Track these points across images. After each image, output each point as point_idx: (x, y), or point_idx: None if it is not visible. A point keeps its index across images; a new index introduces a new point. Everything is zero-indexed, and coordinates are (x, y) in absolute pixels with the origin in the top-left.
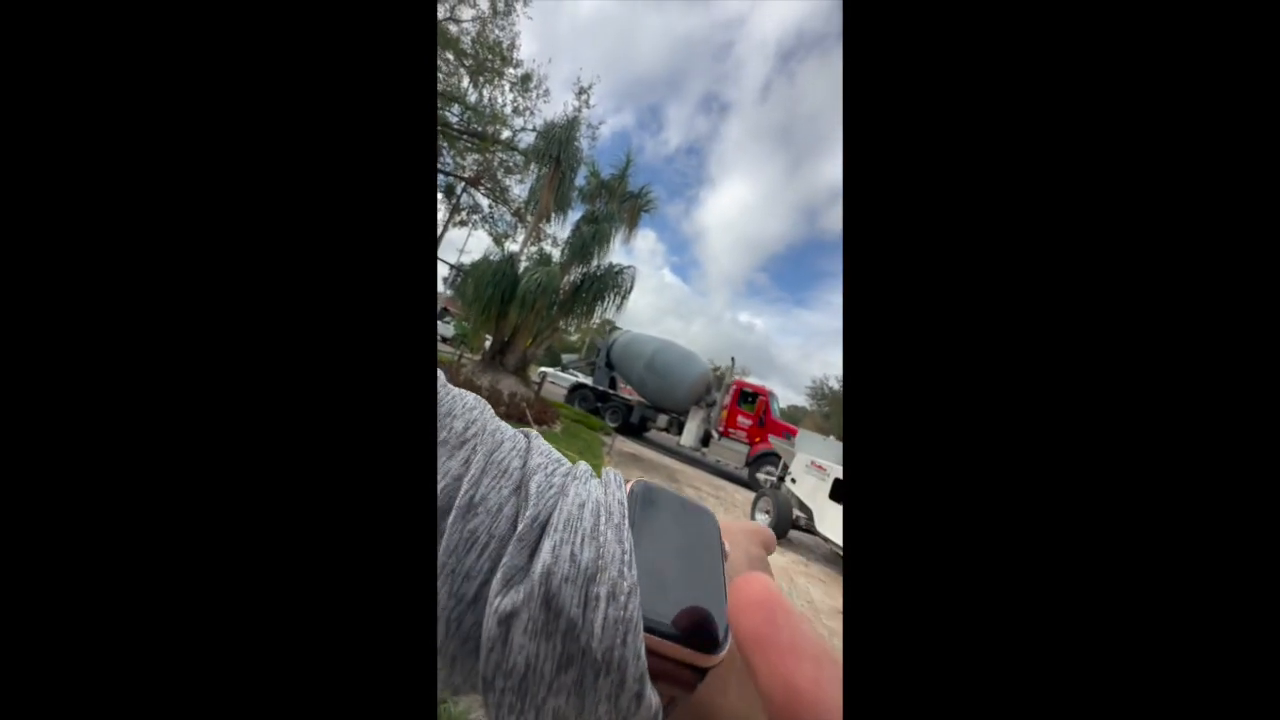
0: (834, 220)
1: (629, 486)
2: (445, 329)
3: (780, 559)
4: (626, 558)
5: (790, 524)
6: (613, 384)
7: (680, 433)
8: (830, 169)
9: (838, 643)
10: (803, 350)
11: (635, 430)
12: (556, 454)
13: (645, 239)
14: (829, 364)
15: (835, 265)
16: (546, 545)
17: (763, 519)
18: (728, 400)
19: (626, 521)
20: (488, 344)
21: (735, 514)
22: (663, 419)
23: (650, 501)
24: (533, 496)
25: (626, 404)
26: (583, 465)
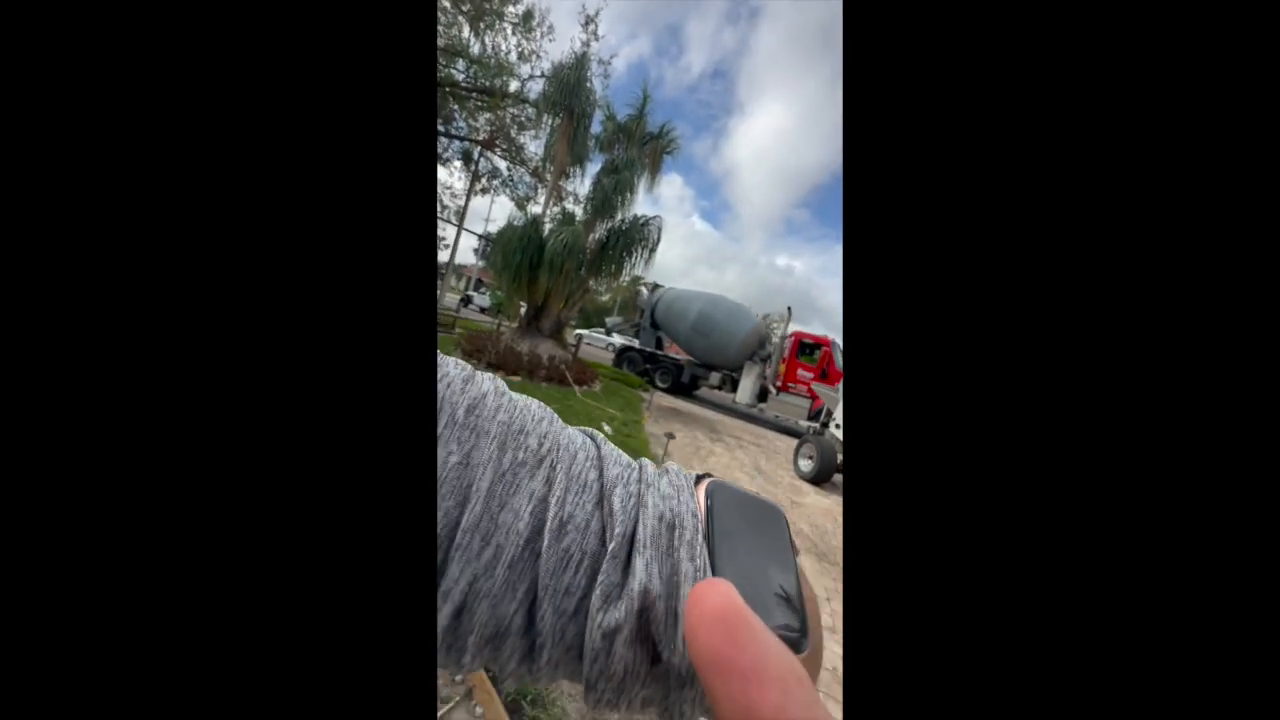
0: None
1: (702, 489)
2: (482, 300)
3: (825, 501)
4: (699, 576)
5: (835, 468)
6: (659, 344)
7: (734, 390)
8: None
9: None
10: None
11: (686, 390)
12: (625, 456)
13: (671, 185)
14: None
15: None
16: (638, 563)
17: (806, 465)
18: (785, 353)
19: (699, 535)
20: (523, 311)
21: (777, 460)
22: (715, 377)
23: (725, 502)
24: (618, 513)
25: (676, 363)
26: (649, 467)
